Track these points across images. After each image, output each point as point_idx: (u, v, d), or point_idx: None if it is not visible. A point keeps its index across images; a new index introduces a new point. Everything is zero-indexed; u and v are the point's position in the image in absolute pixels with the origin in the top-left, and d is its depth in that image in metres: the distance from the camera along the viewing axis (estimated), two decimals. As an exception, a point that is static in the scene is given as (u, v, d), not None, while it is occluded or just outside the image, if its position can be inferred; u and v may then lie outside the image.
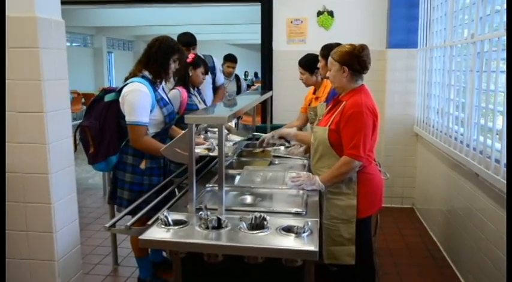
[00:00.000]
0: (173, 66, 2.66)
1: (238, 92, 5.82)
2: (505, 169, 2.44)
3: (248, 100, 2.86)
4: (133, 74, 2.61)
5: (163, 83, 2.80)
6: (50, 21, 1.68)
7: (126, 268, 3.36)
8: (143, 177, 2.65)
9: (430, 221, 4.15)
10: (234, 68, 5.84)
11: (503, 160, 2.46)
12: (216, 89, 4.37)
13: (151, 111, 2.54)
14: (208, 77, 4.17)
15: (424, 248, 3.74)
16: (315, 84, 3.36)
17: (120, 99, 2.53)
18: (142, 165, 2.63)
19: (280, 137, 3.06)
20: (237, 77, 5.98)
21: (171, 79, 4.13)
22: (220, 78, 4.51)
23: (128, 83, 2.54)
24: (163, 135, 2.72)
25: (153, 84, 2.62)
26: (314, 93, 3.43)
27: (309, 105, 3.46)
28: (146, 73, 2.60)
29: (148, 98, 2.51)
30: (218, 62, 4.53)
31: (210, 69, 4.26)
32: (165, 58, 2.60)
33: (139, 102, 2.48)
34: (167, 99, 2.77)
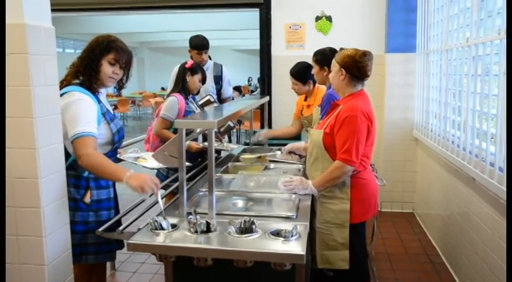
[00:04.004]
0: (109, 69, 2.11)
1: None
2: (500, 173, 2.43)
3: (242, 105, 2.87)
4: (66, 82, 2.10)
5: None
6: (39, 28, 1.70)
7: (124, 273, 3.37)
8: (89, 213, 2.11)
9: (430, 226, 4.12)
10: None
11: (498, 164, 2.46)
12: (222, 101, 4.09)
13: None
14: (212, 87, 4.04)
15: (423, 253, 3.71)
16: (307, 92, 3.37)
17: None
18: (87, 199, 2.10)
19: (289, 152, 3.10)
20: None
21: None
22: (228, 90, 4.22)
23: (63, 93, 2.02)
24: (112, 157, 2.18)
25: (94, 93, 2.13)
26: (305, 100, 3.43)
27: (301, 112, 3.46)
28: (82, 79, 2.12)
29: (94, 109, 2.06)
30: (227, 72, 4.22)
31: (216, 79, 4.10)
32: (94, 59, 2.09)
33: (85, 112, 2.01)
34: (113, 113, 2.24)
